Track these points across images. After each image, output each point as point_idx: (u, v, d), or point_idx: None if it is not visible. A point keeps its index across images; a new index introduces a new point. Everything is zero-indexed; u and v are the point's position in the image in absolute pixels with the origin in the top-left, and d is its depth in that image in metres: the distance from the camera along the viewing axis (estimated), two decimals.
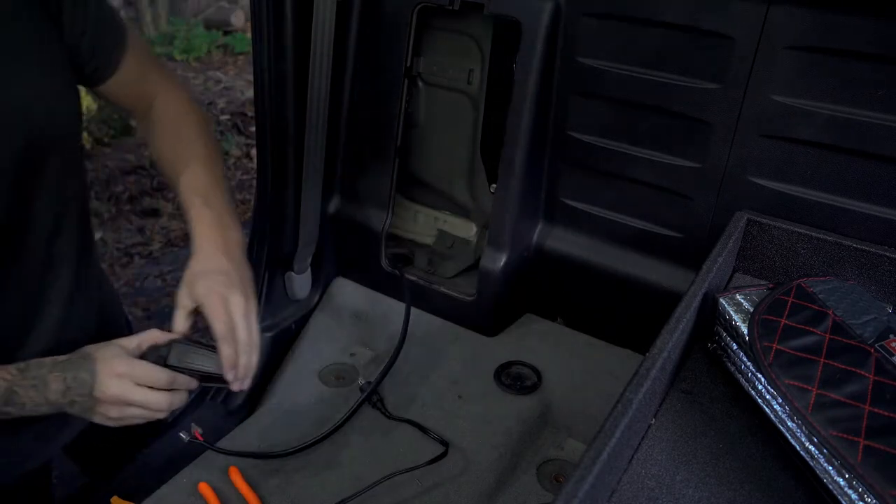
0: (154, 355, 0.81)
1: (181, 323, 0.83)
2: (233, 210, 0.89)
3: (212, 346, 0.81)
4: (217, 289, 0.80)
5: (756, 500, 0.67)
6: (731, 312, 0.80)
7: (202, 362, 0.83)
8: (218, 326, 0.79)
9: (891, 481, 0.59)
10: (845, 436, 0.64)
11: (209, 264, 0.82)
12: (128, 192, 3.43)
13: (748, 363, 0.76)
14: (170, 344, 0.82)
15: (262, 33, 1.08)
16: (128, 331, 1.11)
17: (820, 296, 0.81)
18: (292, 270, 1.28)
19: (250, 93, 4.17)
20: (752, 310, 0.79)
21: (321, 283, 1.37)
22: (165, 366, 0.81)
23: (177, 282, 0.91)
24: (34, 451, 0.96)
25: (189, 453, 1.00)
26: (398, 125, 1.20)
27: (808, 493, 0.67)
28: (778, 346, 0.74)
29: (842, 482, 0.63)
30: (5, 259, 0.81)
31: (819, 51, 0.87)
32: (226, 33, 5.75)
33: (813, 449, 0.66)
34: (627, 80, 1.01)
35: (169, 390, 0.81)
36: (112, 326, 1.04)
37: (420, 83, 1.22)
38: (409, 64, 1.18)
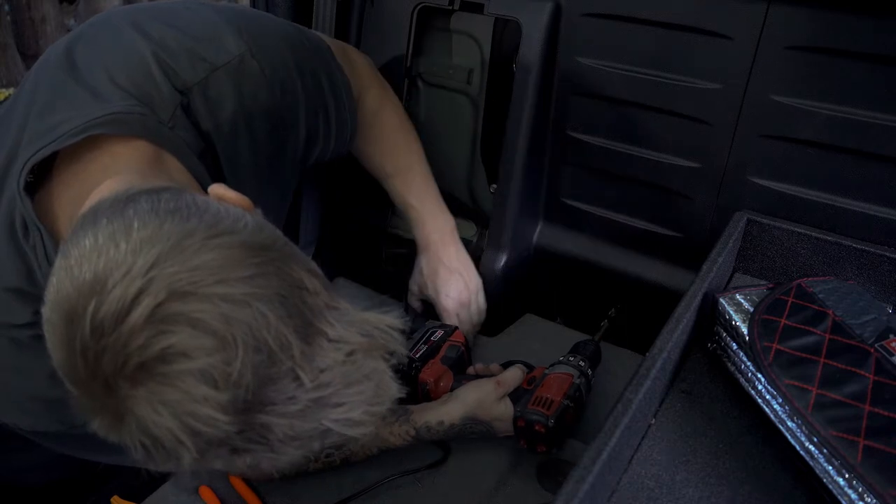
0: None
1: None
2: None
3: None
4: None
5: (756, 500, 0.67)
6: (731, 312, 0.80)
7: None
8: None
9: (891, 481, 0.59)
10: (845, 436, 0.64)
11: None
12: None
13: (748, 363, 0.76)
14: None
15: None
16: None
17: (820, 296, 0.82)
18: None
19: None
20: (752, 310, 0.79)
21: None
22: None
23: None
24: None
25: None
26: None
27: (808, 493, 0.67)
28: (778, 346, 0.74)
29: (842, 482, 0.63)
30: None
31: (819, 51, 0.87)
32: None
33: (813, 449, 0.66)
34: (627, 80, 1.01)
35: None
36: None
37: (420, 83, 1.22)
38: (409, 64, 1.18)
